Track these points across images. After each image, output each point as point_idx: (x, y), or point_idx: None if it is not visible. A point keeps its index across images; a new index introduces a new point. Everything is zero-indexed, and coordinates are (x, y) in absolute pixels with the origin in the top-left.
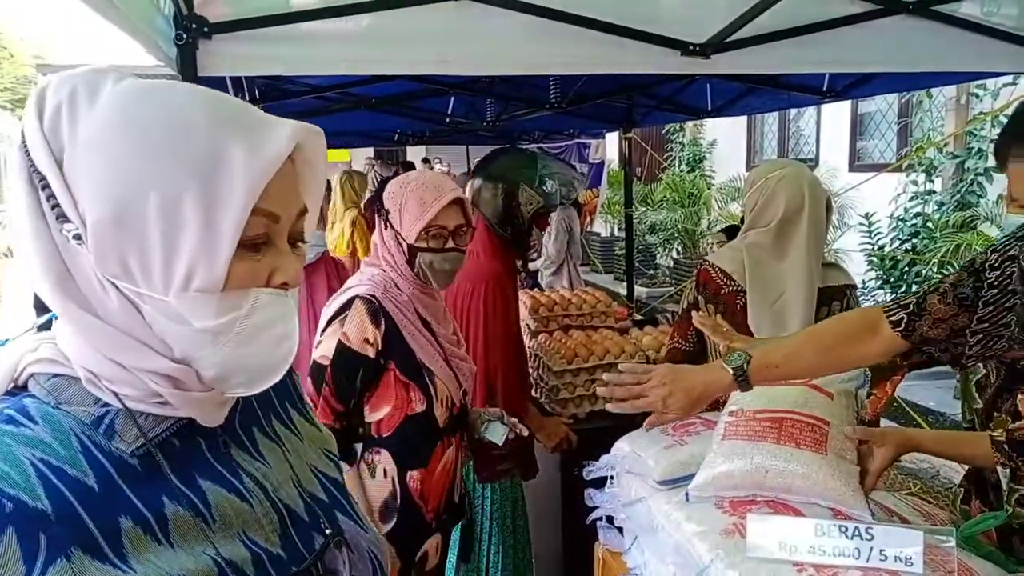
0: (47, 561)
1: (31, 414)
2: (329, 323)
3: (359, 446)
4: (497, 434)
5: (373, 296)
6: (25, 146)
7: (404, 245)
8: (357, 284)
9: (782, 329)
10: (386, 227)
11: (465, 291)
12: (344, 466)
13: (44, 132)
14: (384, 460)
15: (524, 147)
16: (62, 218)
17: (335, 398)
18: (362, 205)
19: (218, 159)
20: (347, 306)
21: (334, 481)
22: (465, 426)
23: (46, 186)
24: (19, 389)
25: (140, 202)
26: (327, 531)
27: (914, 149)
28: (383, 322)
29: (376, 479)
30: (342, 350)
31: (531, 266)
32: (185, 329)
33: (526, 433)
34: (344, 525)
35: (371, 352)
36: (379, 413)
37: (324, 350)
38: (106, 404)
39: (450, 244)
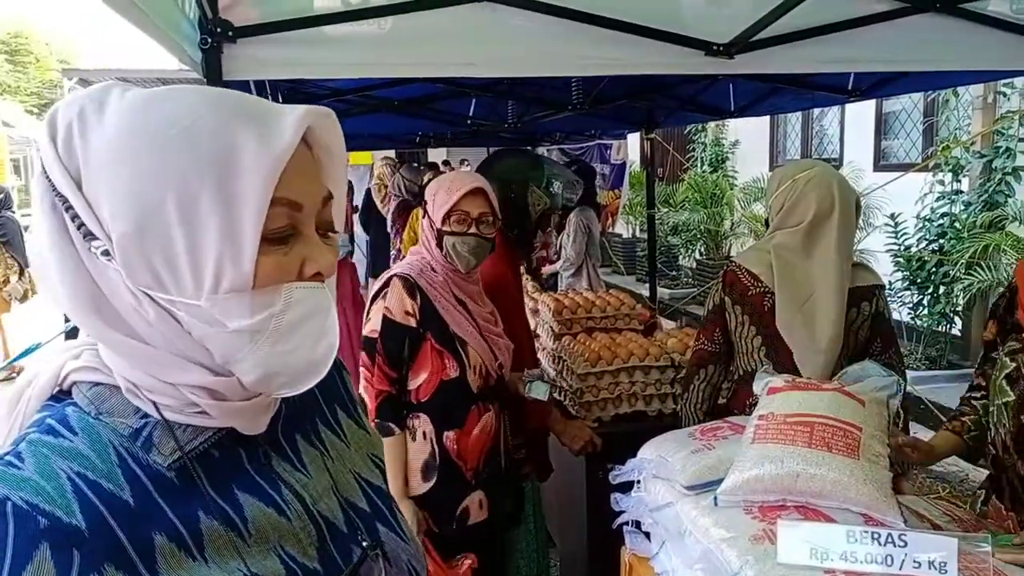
0: None
1: (71, 424)
2: (373, 301)
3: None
4: (541, 391)
5: (408, 275)
6: (44, 172)
7: (435, 229)
8: (397, 267)
9: (812, 330)
10: (424, 215)
11: None
12: (395, 429)
13: (59, 154)
14: (423, 423)
15: (525, 148)
16: (89, 236)
17: (388, 365)
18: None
19: (229, 154)
20: (386, 285)
21: (378, 489)
22: (507, 395)
23: (69, 207)
24: (64, 394)
25: (159, 209)
26: (364, 543)
27: (940, 148)
28: (418, 296)
29: (416, 441)
30: (387, 322)
31: (550, 268)
32: (221, 332)
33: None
34: (384, 536)
35: (413, 322)
36: (418, 380)
37: (373, 325)
38: (145, 415)
39: (473, 230)
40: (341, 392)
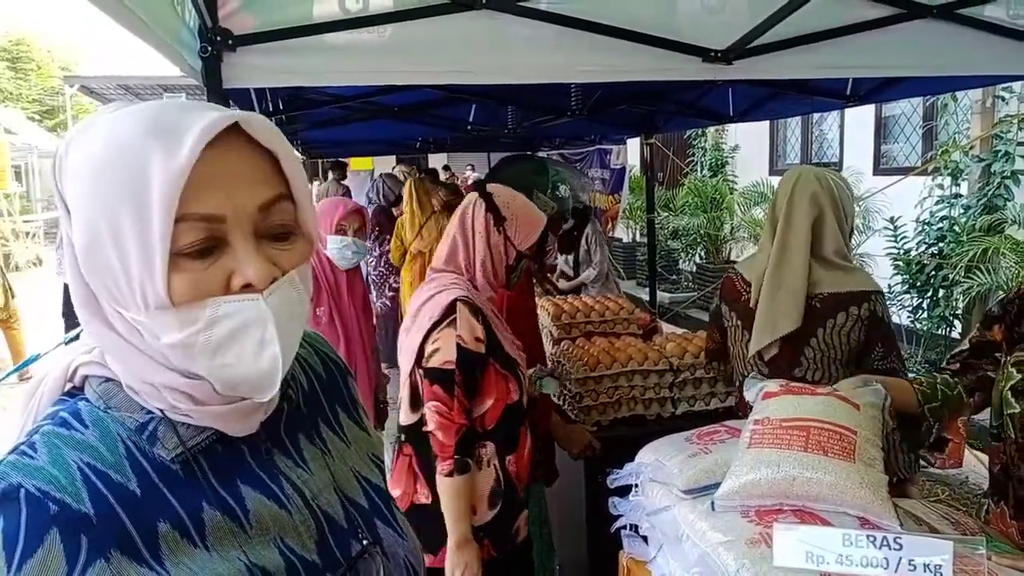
0: (87, 562)
1: (83, 418)
2: (436, 327)
3: None
4: (551, 387)
5: (469, 297)
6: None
7: (514, 251)
8: (444, 288)
9: (773, 323)
10: (498, 232)
11: None
12: (472, 465)
13: (55, 174)
14: (488, 451)
15: (536, 154)
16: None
17: (466, 397)
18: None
19: (142, 174)
20: (451, 310)
21: (377, 488)
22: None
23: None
24: (77, 390)
25: (97, 232)
26: (364, 539)
27: (940, 152)
28: (480, 319)
29: (483, 470)
30: (463, 351)
31: (569, 284)
32: (161, 345)
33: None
34: (383, 533)
35: (483, 348)
36: (484, 407)
37: (445, 355)
38: (150, 411)
39: None
40: (343, 394)
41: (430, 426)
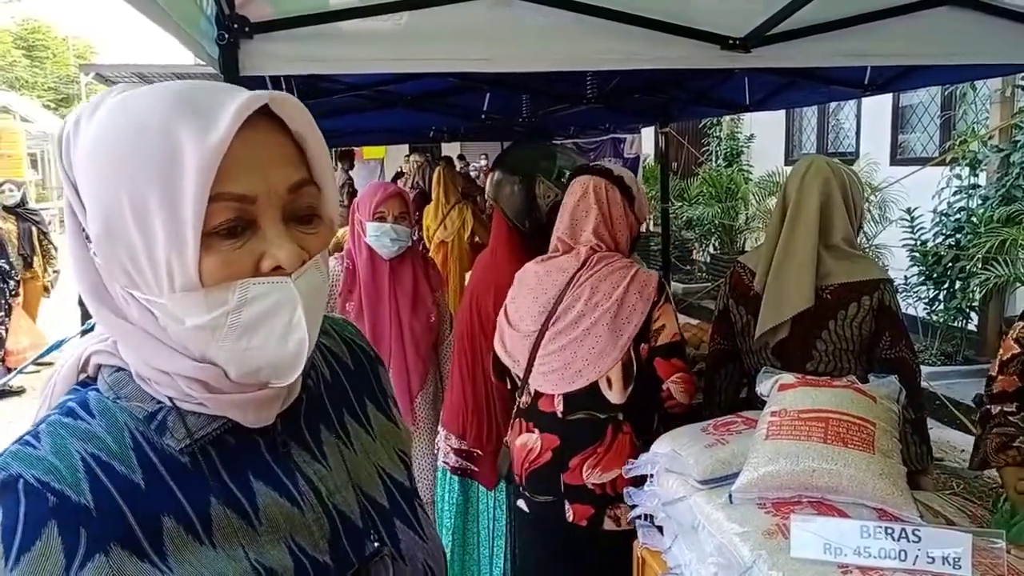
0: (86, 555)
1: (91, 407)
2: (656, 306)
3: None
4: None
5: None
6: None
7: (637, 227)
8: (633, 265)
9: (779, 304)
10: (631, 211)
11: (485, 286)
12: None
13: (62, 160)
14: None
15: (547, 140)
16: (86, 236)
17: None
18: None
19: (172, 153)
20: (663, 286)
21: (400, 485)
22: None
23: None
24: (90, 379)
25: (119, 212)
26: (375, 541)
27: (958, 143)
28: None
29: None
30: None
31: None
32: (184, 328)
33: None
34: (401, 534)
35: None
36: None
37: (672, 328)
38: (160, 401)
39: None
40: (372, 385)
41: (679, 398)
